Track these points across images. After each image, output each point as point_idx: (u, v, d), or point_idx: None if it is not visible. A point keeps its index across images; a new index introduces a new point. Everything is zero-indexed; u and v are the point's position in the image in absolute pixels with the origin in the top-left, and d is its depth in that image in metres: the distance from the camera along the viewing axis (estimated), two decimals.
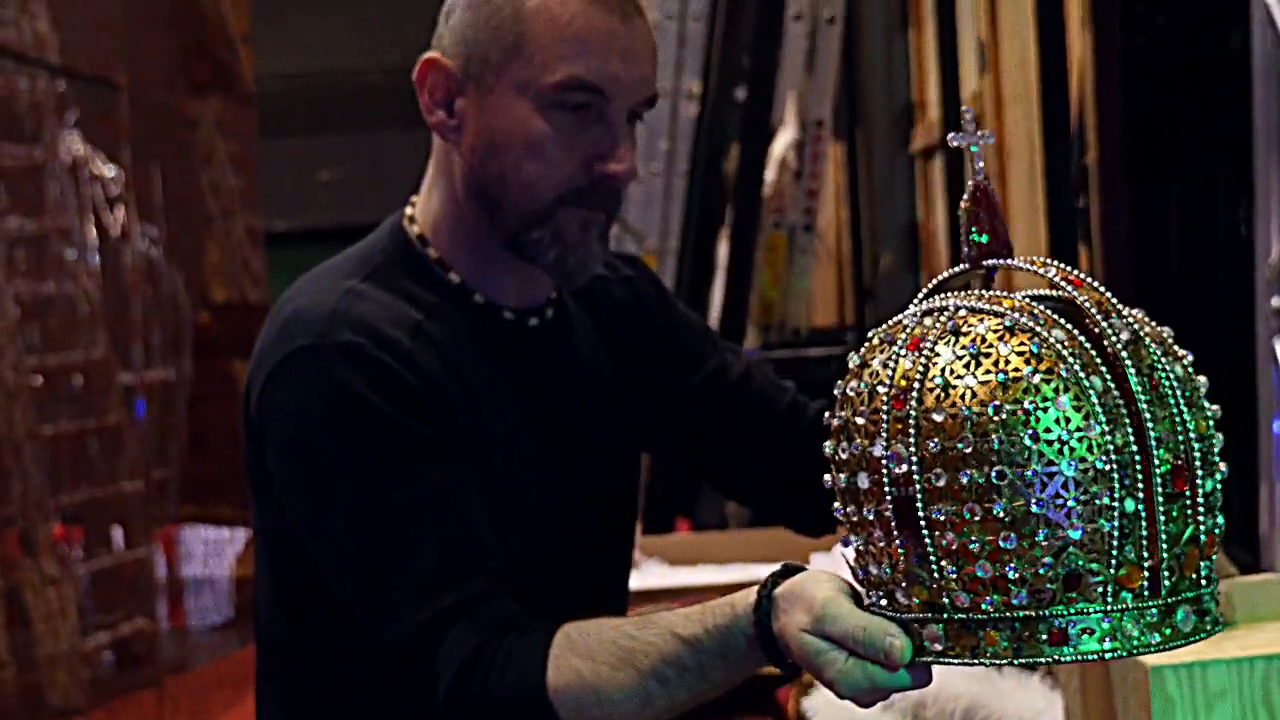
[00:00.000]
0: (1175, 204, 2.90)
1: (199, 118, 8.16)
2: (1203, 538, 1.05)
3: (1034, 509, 1.01)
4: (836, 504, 1.11)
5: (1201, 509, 1.04)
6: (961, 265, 1.11)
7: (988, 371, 1.03)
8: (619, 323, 1.60)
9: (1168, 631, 1.04)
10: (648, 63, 1.43)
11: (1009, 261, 1.10)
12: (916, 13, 5.14)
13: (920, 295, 1.12)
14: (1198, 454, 1.04)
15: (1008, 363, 1.02)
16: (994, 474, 1.01)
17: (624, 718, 1.26)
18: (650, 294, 1.64)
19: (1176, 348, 1.08)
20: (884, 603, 1.09)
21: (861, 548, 1.09)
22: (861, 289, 5.76)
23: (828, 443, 1.10)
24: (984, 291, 1.08)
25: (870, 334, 1.12)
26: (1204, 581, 1.06)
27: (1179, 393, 1.04)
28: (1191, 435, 1.04)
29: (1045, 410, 1.01)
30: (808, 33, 4.60)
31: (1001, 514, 1.01)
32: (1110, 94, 2.84)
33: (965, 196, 1.12)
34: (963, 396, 1.02)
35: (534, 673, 1.29)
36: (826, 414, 1.11)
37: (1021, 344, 1.03)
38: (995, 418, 1.01)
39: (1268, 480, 2.59)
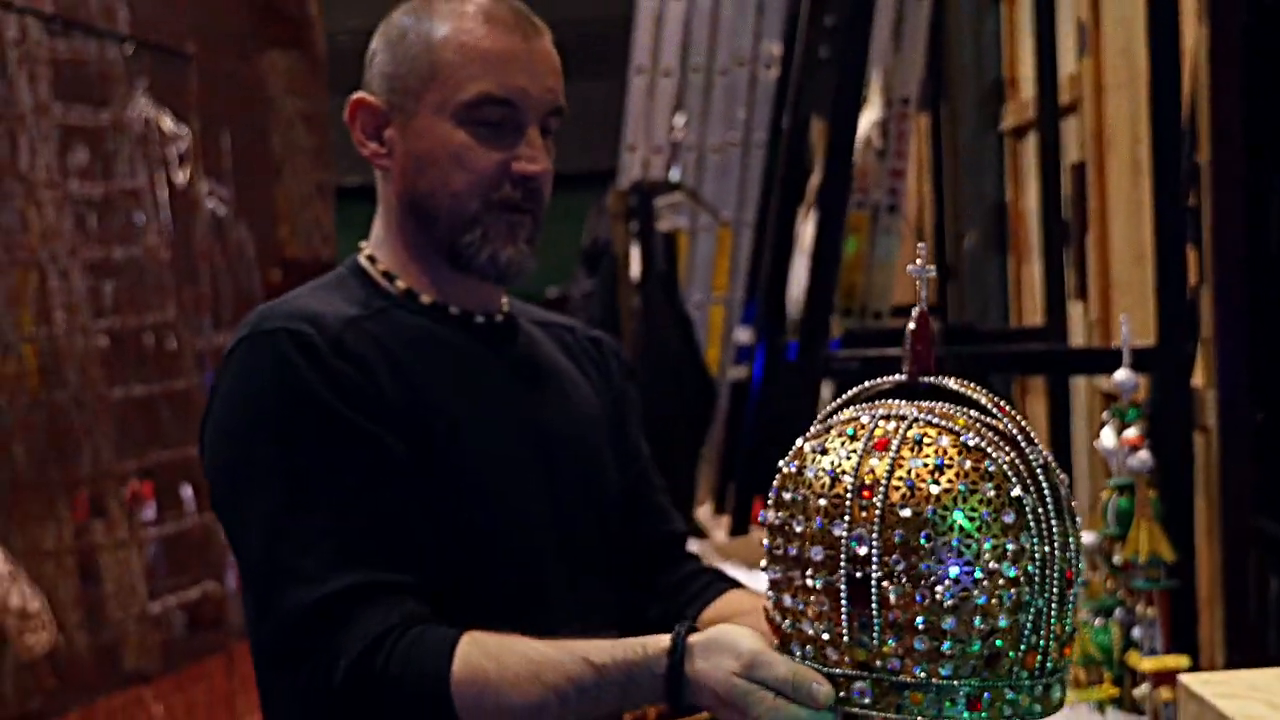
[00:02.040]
0: None
1: (269, 78, 8.09)
2: (1069, 628, 1.25)
3: (977, 601, 1.20)
4: (772, 566, 1.27)
5: (1070, 606, 1.24)
6: (899, 376, 1.30)
7: (950, 481, 1.21)
8: (584, 361, 1.73)
9: (1047, 703, 1.24)
10: (551, 76, 1.60)
11: (945, 383, 1.28)
12: None
13: (849, 395, 1.30)
14: (1076, 560, 1.24)
15: (966, 476, 1.21)
16: (949, 568, 1.19)
17: None
18: (613, 360, 1.77)
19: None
20: (810, 654, 1.25)
21: (796, 606, 1.25)
22: (944, 267, 5.60)
23: (775, 512, 1.26)
24: (935, 403, 1.26)
25: (828, 424, 1.28)
26: (1067, 665, 1.27)
27: (1068, 508, 1.24)
28: (1072, 544, 1.24)
29: (994, 520, 1.20)
30: (895, 6, 4.45)
31: (950, 600, 1.19)
32: (1226, 91, 2.69)
33: (913, 320, 1.29)
34: (927, 499, 1.20)
35: (440, 662, 1.37)
36: (773, 490, 1.26)
37: (978, 461, 1.21)
38: (956, 521, 1.20)
39: None
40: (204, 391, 6.37)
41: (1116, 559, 2.19)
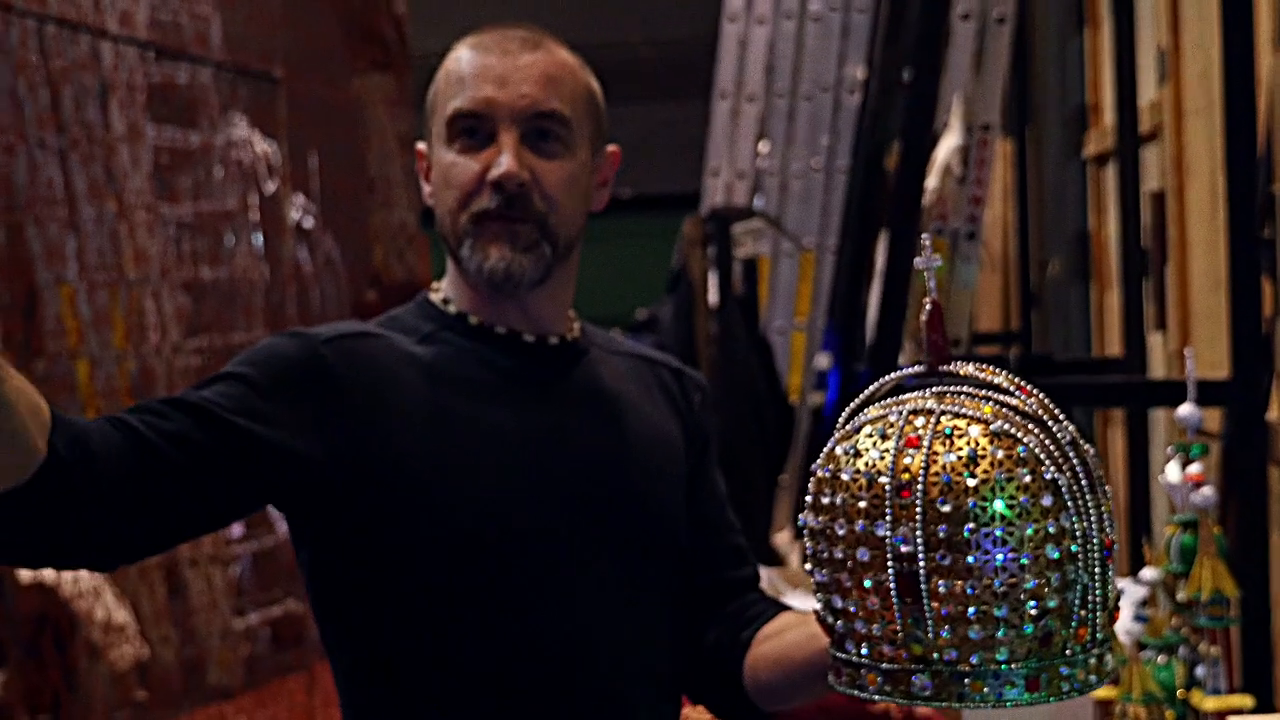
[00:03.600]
0: None
1: (363, 100, 8.18)
2: (1111, 596, 1.28)
3: (1027, 586, 1.23)
4: (818, 569, 1.29)
5: (1111, 574, 1.27)
6: (918, 366, 1.32)
7: (985, 471, 1.23)
8: (657, 391, 1.74)
9: (1101, 672, 1.28)
10: (529, 84, 1.63)
11: (967, 367, 1.31)
12: (1092, 13, 4.91)
13: (870, 391, 1.33)
14: (1111, 529, 1.27)
15: (1001, 464, 1.24)
16: (995, 557, 1.22)
17: None
18: (695, 395, 1.77)
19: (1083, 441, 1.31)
20: (865, 652, 1.28)
21: (848, 607, 1.27)
22: (1028, 294, 5.55)
23: (814, 517, 1.29)
24: (960, 393, 1.28)
25: (855, 424, 1.30)
26: (1113, 633, 1.31)
27: (1099, 480, 1.27)
28: (1106, 514, 1.27)
29: (1033, 505, 1.23)
30: (976, 32, 4.41)
31: (1000, 588, 1.23)
32: None
33: (925, 311, 1.32)
34: (965, 491, 1.23)
35: None
36: (810, 495, 1.29)
37: (1009, 449, 1.24)
38: (997, 510, 1.23)
39: None
40: None
41: (1180, 596, 2.15)
